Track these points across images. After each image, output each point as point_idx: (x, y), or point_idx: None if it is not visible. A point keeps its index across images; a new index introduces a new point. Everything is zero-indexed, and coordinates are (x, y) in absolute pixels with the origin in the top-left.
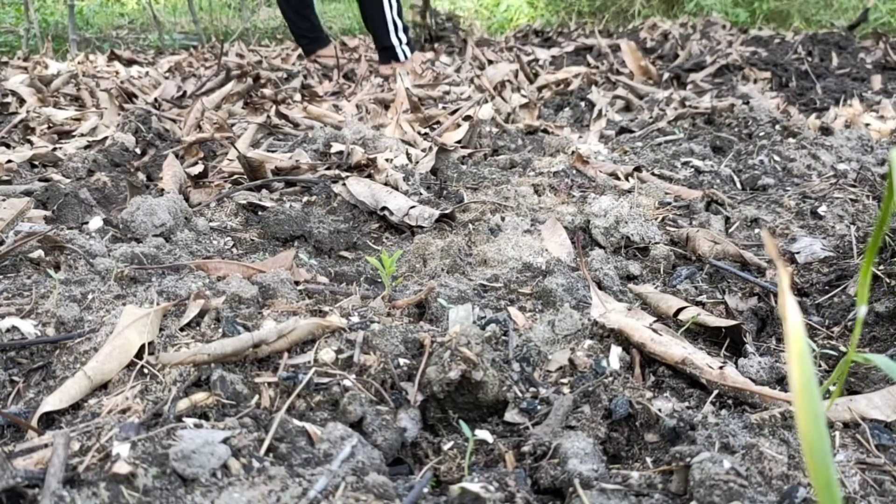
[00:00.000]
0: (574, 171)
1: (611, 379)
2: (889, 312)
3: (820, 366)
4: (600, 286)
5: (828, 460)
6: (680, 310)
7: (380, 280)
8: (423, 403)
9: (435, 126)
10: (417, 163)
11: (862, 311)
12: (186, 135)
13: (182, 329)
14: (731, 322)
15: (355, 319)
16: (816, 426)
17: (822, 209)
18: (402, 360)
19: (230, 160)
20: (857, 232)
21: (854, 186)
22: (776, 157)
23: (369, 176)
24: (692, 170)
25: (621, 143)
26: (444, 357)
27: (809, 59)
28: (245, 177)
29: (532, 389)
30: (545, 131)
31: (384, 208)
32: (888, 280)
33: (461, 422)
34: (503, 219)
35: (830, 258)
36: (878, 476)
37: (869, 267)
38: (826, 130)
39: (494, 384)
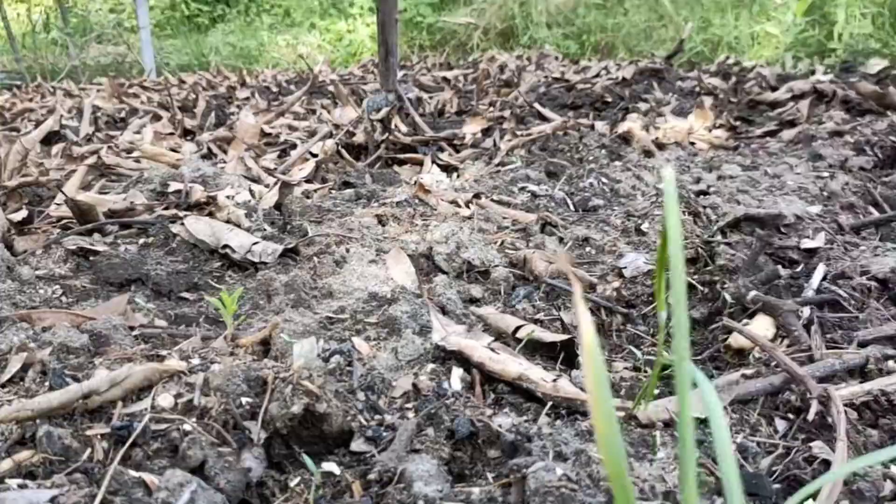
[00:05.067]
0: (417, 201)
1: (452, 400)
2: (704, 318)
3: (646, 372)
4: (444, 311)
5: (620, 458)
6: (518, 328)
7: (223, 320)
8: (267, 441)
9: (281, 161)
10: (261, 199)
11: (662, 316)
12: (8, 179)
13: (3, 385)
14: (564, 336)
15: (196, 361)
16: (610, 427)
17: (644, 226)
18: (244, 399)
19: (58, 204)
20: None
21: None
22: (604, 179)
23: (210, 214)
24: (529, 195)
25: (462, 172)
26: (286, 392)
27: (630, 88)
28: (75, 221)
29: (377, 417)
30: (389, 163)
31: (225, 246)
32: (702, 288)
33: (304, 456)
34: (348, 250)
35: (653, 271)
36: (695, 469)
37: (661, 280)
38: (648, 153)
39: (339, 415)
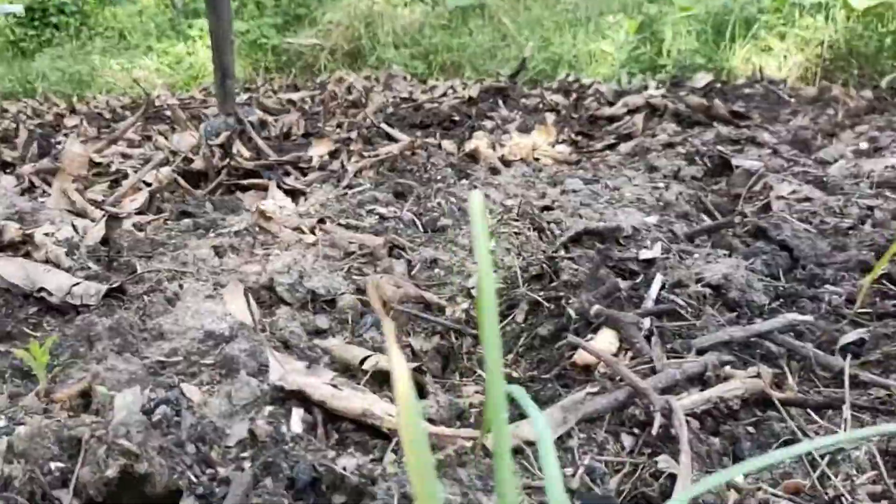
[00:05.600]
0: (257, 229)
1: (292, 444)
2: (551, 335)
3: None
4: (287, 345)
5: (434, 490)
6: (364, 359)
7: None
8: None
9: (112, 192)
10: (85, 235)
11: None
12: None
13: None
14: (412, 365)
15: (1, 423)
16: (422, 462)
17: (491, 244)
18: (54, 465)
19: None
20: (522, 262)
21: (517, 220)
22: (452, 199)
23: (27, 254)
24: (377, 217)
25: (308, 196)
26: (100, 454)
27: (477, 106)
28: None
29: (210, 471)
30: (232, 190)
31: (42, 289)
32: (548, 304)
33: None
34: (182, 286)
35: (501, 289)
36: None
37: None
38: (495, 170)
39: (163, 474)
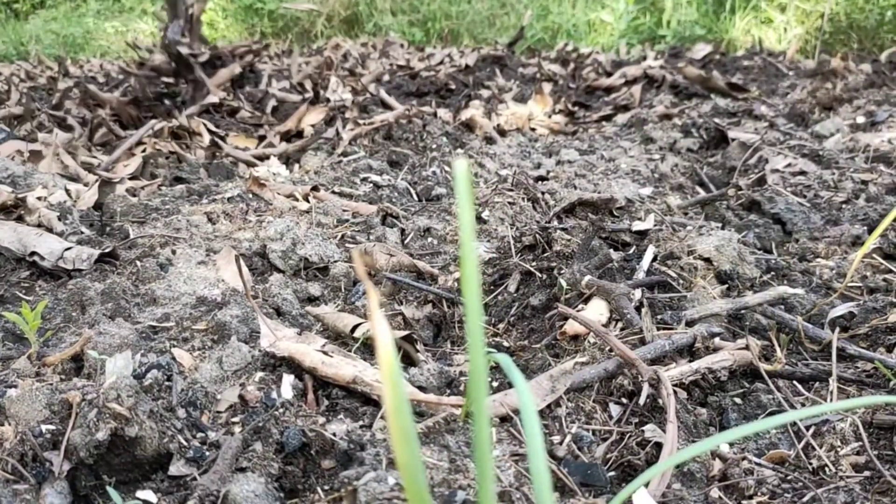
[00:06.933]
0: (251, 196)
1: (282, 410)
2: (542, 305)
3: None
4: (279, 312)
5: (416, 465)
6: (356, 326)
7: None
8: (72, 472)
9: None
10: (78, 199)
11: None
12: None
13: None
14: (402, 333)
15: None
16: (404, 429)
17: (485, 214)
18: (45, 427)
19: None
20: (516, 232)
21: (511, 190)
22: (447, 168)
23: (19, 218)
24: (371, 185)
25: (303, 164)
26: (91, 416)
27: (474, 75)
28: None
29: (200, 435)
30: (229, 155)
31: (34, 253)
32: (540, 275)
33: (110, 489)
34: (174, 252)
35: (494, 259)
36: (492, 465)
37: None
38: (490, 140)
39: (153, 437)
